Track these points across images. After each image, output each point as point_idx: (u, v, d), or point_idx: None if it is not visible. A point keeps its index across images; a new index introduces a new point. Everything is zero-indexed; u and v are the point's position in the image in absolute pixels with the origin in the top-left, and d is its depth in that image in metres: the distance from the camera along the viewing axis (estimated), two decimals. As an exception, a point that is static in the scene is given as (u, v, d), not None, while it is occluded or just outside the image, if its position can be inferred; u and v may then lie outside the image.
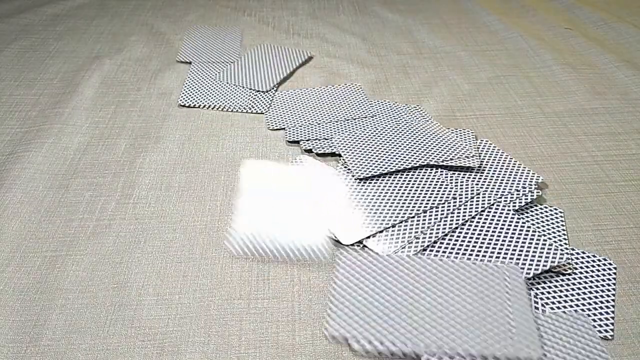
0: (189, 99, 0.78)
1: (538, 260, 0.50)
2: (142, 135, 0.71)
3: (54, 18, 1.04)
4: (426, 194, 0.58)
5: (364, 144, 0.66)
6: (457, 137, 0.67)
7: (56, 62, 0.88)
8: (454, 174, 0.61)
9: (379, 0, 1.12)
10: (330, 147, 0.67)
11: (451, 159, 0.62)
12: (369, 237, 0.54)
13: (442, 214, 0.56)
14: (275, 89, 0.80)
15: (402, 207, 0.57)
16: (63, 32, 0.98)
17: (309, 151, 0.67)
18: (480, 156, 0.65)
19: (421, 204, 0.57)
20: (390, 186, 0.60)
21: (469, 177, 0.61)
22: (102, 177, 0.63)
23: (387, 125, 0.69)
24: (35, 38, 0.96)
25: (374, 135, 0.67)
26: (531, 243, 0.52)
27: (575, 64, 0.86)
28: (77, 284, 0.50)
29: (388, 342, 0.44)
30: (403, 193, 0.59)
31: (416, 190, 0.59)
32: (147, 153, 0.67)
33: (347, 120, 0.72)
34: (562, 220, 0.56)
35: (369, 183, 0.60)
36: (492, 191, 0.59)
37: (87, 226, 0.57)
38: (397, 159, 0.63)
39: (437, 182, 0.60)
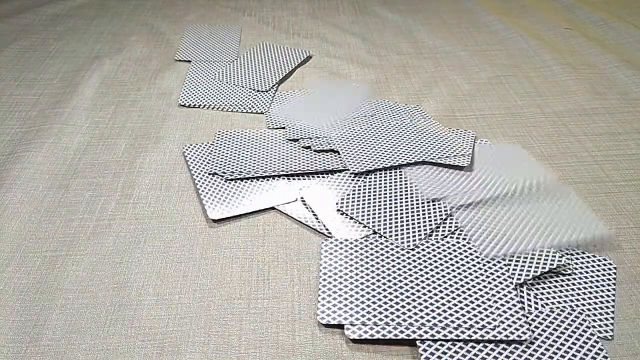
0: (189, 99, 0.78)
1: (537, 263, 0.50)
2: (142, 135, 0.71)
3: (54, 18, 1.04)
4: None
5: (361, 140, 0.66)
6: (454, 136, 0.67)
7: (56, 62, 0.88)
8: (448, 171, 0.61)
9: (379, 0, 1.12)
10: (328, 143, 0.67)
11: (446, 157, 0.63)
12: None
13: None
14: (274, 88, 0.80)
15: (398, 205, 0.57)
16: (63, 32, 0.98)
17: (308, 148, 0.67)
18: (472, 156, 0.65)
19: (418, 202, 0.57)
20: (386, 182, 0.60)
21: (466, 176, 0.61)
22: (102, 177, 0.63)
23: (384, 123, 0.70)
24: (35, 38, 0.96)
25: (371, 133, 0.68)
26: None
27: (575, 64, 0.86)
28: (77, 284, 0.50)
29: (382, 325, 0.45)
30: (399, 190, 0.59)
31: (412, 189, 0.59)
32: (147, 153, 0.67)
33: (347, 119, 0.72)
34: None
35: (364, 178, 0.60)
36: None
37: (87, 226, 0.57)
38: (392, 155, 0.63)
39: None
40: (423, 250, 0.52)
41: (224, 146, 0.67)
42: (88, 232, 0.56)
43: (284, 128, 0.71)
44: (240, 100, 0.77)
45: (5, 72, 0.85)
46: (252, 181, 0.61)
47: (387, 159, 0.63)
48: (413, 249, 0.52)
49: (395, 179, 0.61)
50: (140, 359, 0.44)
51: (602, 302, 0.48)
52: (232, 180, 0.61)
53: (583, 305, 0.48)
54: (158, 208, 0.59)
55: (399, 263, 0.51)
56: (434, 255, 0.51)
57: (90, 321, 0.47)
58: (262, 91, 0.80)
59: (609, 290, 0.49)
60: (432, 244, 0.53)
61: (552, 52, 0.89)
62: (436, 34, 0.97)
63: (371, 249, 0.52)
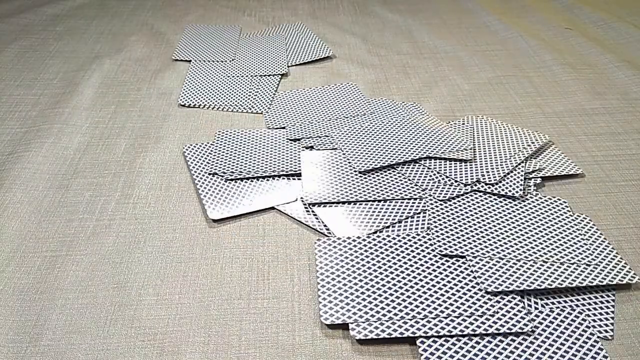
0: (189, 99, 0.78)
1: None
2: (142, 135, 0.71)
3: (54, 18, 1.04)
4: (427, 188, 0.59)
5: (363, 138, 0.67)
6: (454, 130, 0.67)
7: (56, 62, 0.88)
8: (454, 164, 0.61)
9: (379, 0, 1.12)
10: (331, 143, 0.67)
11: (450, 152, 0.63)
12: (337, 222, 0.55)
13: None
14: (287, 68, 0.85)
15: (401, 205, 0.57)
16: (63, 32, 0.98)
17: (310, 148, 0.67)
18: (474, 148, 0.65)
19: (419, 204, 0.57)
20: (389, 179, 0.60)
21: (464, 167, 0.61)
22: (102, 177, 0.63)
23: (384, 121, 0.70)
24: (36, 38, 0.96)
25: (372, 130, 0.68)
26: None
27: (576, 64, 0.86)
28: (77, 284, 0.50)
29: (388, 324, 0.45)
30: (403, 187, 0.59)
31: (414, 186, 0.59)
32: (147, 153, 0.67)
33: (346, 117, 0.72)
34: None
35: (365, 177, 0.60)
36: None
37: (87, 226, 0.57)
38: (395, 151, 0.63)
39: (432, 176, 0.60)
40: (418, 245, 0.52)
41: (224, 146, 0.67)
42: (88, 232, 0.56)
43: (283, 128, 0.71)
44: (240, 101, 0.77)
45: (5, 72, 0.85)
46: (252, 181, 0.61)
47: (390, 156, 0.63)
48: (408, 245, 0.52)
49: (399, 175, 0.61)
50: (140, 358, 0.44)
51: (602, 302, 0.48)
52: (232, 180, 0.61)
53: (583, 305, 0.48)
54: (158, 208, 0.59)
55: (394, 258, 0.51)
56: (431, 251, 0.51)
57: (90, 321, 0.47)
58: (275, 75, 0.83)
59: (609, 290, 0.49)
60: (428, 239, 0.53)
61: (552, 52, 0.89)
62: (436, 34, 0.97)
63: (365, 246, 0.52)
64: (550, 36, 0.96)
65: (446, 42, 0.94)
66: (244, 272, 0.52)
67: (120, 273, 0.51)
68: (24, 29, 0.99)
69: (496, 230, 0.54)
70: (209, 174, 0.62)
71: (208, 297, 0.49)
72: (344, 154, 0.64)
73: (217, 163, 0.63)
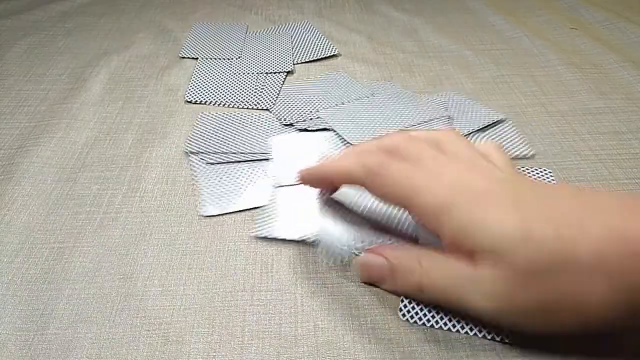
0: (195, 95, 0.78)
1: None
2: (149, 131, 0.72)
3: (62, 15, 1.05)
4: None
5: (354, 114, 0.70)
6: (430, 102, 0.74)
7: (65, 58, 0.89)
8: None
9: None
10: (322, 123, 0.69)
11: (426, 122, 0.68)
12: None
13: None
14: (293, 65, 0.86)
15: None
16: (71, 29, 0.99)
17: (304, 130, 0.68)
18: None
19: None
20: None
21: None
22: (109, 171, 0.64)
23: (375, 99, 0.75)
24: (45, 34, 0.97)
25: (363, 107, 0.72)
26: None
27: (580, 64, 0.86)
28: (84, 274, 0.51)
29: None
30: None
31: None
32: (154, 148, 0.68)
33: (344, 103, 0.75)
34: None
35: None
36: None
37: (94, 218, 0.58)
38: (386, 124, 0.68)
39: None
40: None
41: (206, 128, 0.69)
42: (95, 224, 0.57)
43: (291, 124, 0.72)
44: (246, 97, 0.78)
45: (14, 67, 0.86)
46: (247, 178, 0.62)
47: (378, 127, 0.67)
48: None
49: None
50: (145, 348, 0.45)
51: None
52: (213, 164, 0.62)
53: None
54: (164, 202, 0.60)
55: None
56: None
57: (97, 311, 0.48)
58: (281, 72, 0.84)
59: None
60: None
61: (557, 52, 0.90)
62: (441, 33, 0.97)
63: None
64: (556, 36, 0.96)
65: (451, 41, 0.95)
66: (247, 265, 0.52)
67: (126, 264, 0.52)
68: (33, 25, 1.00)
69: None
70: (189, 153, 0.64)
71: (212, 289, 0.50)
72: (338, 132, 0.67)
73: (197, 144, 0.65)
